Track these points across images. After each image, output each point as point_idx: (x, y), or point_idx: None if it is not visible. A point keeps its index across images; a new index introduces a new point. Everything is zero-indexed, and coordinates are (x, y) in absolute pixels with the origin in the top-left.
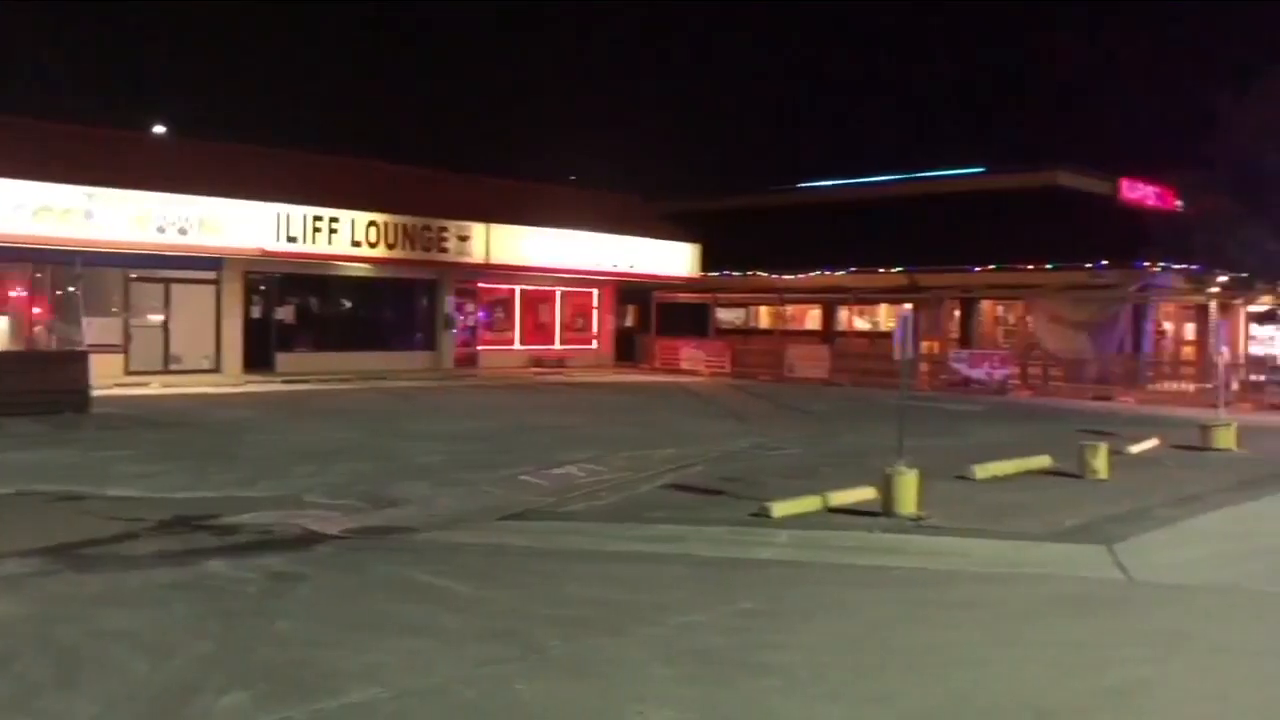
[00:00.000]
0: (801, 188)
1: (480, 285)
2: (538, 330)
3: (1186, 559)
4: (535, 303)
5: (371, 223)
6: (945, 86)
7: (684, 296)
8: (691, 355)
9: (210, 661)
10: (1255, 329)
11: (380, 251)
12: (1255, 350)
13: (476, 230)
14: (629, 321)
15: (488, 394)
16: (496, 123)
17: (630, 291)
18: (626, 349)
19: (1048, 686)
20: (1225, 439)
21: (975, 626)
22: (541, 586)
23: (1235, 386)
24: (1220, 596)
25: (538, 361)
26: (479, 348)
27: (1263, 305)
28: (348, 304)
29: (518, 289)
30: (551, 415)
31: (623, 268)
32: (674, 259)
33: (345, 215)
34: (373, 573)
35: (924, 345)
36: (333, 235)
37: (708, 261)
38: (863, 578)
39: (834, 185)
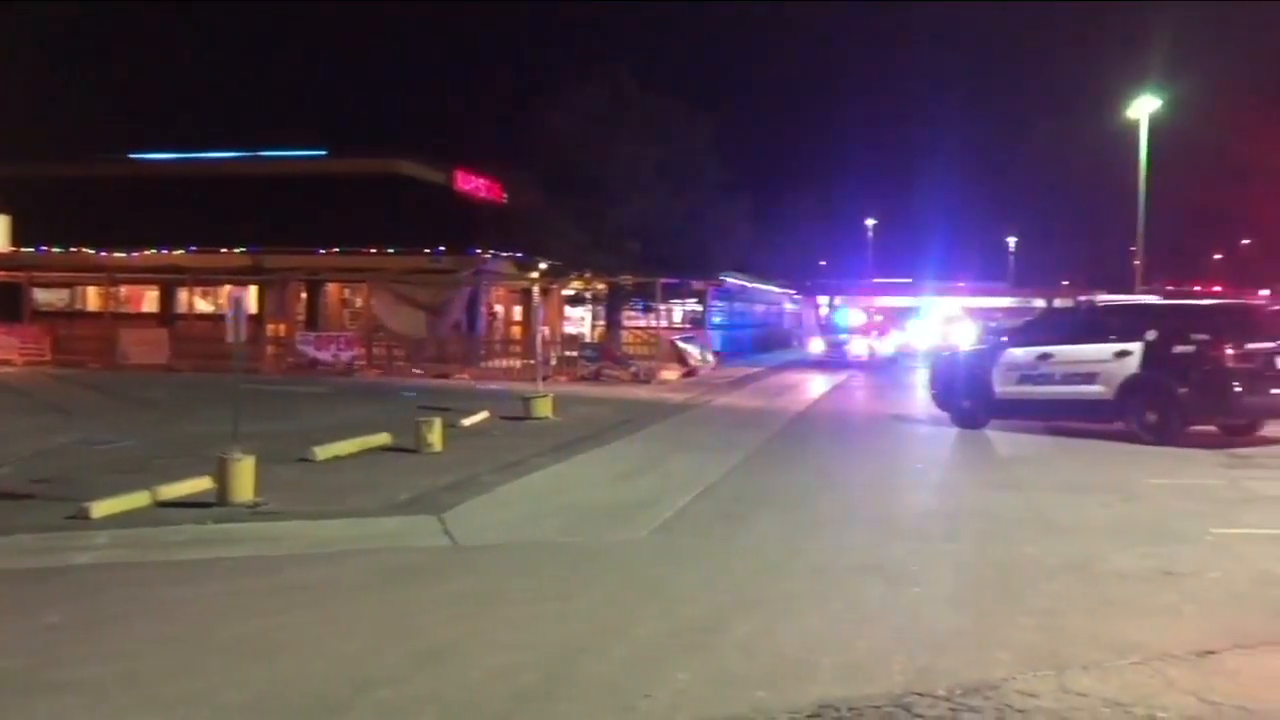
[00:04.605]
0: (134, 159)
1: None
2: None
3: (505, 520)
4: None
5: None
6: (287, 63)
7: None
8: (2, 342)
9: None
10: (569, 310)
11: None
12: (570, 329)
13: None
14: None
15: None
16: None
17: None
18: None
19: (369, 657)
20: (544, 409)
21: (305, 608)
22: None
23: (554, 361)
24: (530, 551)
25: None
26: None
27: (573, 290)
28: None
29: None
30: None
31: None
32: None
33: None
34: None
35: (270, 328)
36: None
37: (21, 236)
38: (192, 573)
39: (171, 159)
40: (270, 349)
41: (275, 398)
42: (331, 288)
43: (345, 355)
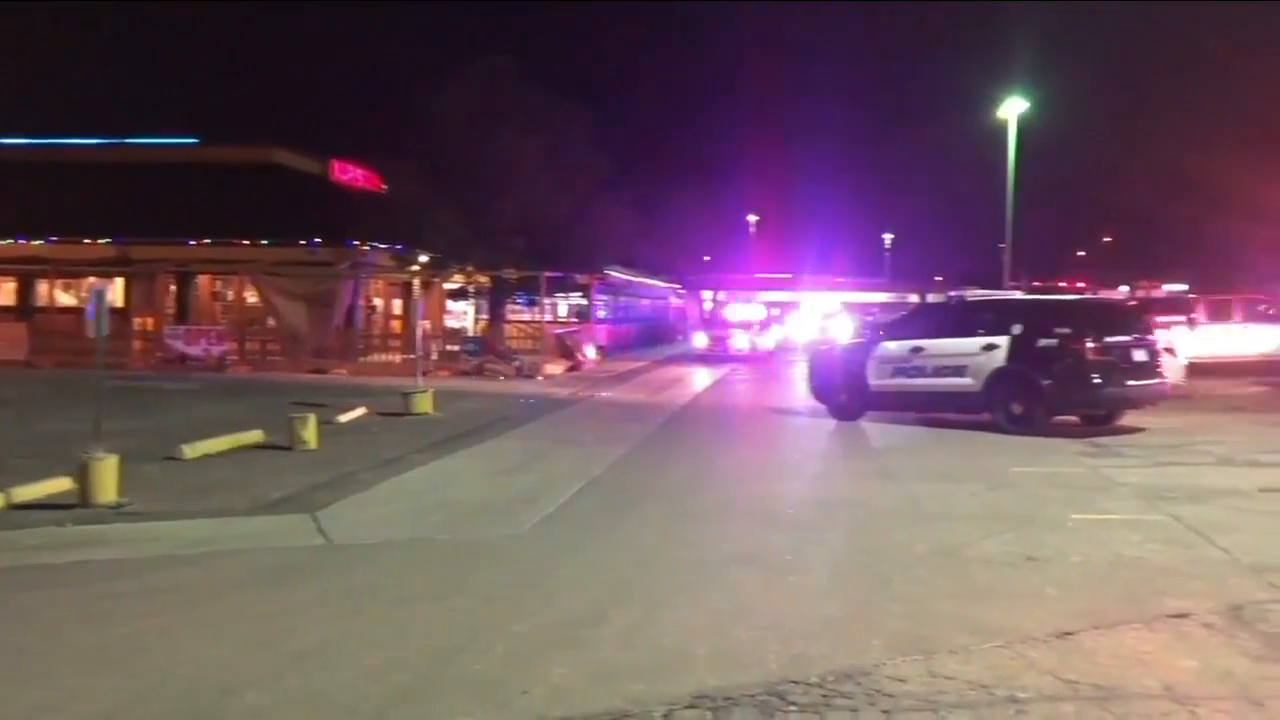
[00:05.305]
0: None
1: None
2: None
3: (382, 518)
4: None
5: None
6: (157, 48)
7: None
8: None
9: None
10: (451, 304)
11: None
12: (451, 323)
13: None
14: None
15: None
16: None
17: None
18: None
19: (237, 661)
20: (424, 404)
21: (170, 612)
22: None
23: (435, 356)
24: (407, 550)
25: None
26: None
27: (455, 283)
28: None
29: None
30: None
31: None
32: None
33: None
34: None
35: (138, 322)
36: None
37: None
38: (49, 577)
39: (28, 144)
40: (138, 344)
41: (142, 394)
42: (203, 280)
43: (217, 350)
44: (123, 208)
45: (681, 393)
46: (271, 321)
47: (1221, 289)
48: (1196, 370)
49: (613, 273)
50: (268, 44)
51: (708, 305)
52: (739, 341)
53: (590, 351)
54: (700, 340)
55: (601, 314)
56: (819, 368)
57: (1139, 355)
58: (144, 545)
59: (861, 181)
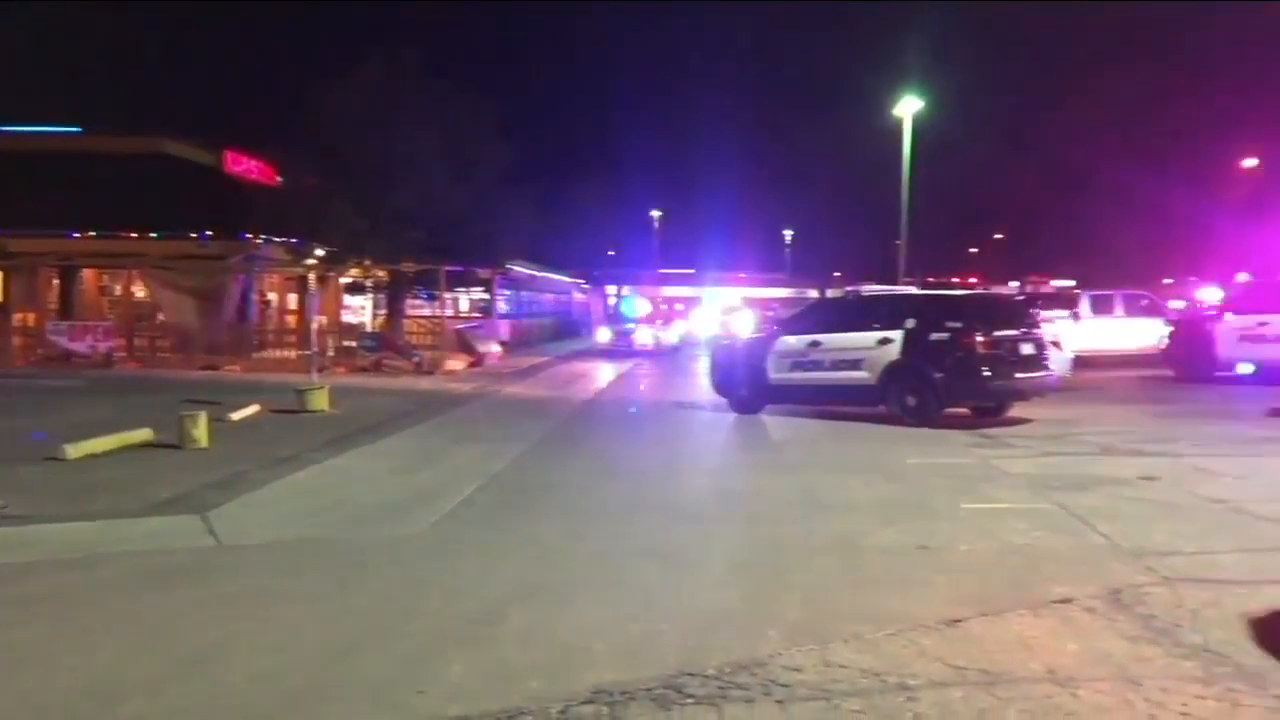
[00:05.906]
0: None
1: None
2: None
3: (275, 518)
4: None
5: None
6: (36, 31)
7: None
8: None
9: None
10: (349, 299)
11: None
12: (349, 318)
13: None
14: None
15: None
16: None
17: None
18: None
19: (120, 668)
20: (319, 401)
21: (49, 619)
22: None
23: (332, 352)
24: (301, 550)
25: None
26: None
27: (352, 277)
28: None
29: None
30: None
31: None
32: None
33: None
34: None
35: (18, 317)
36: None
37: None
38: None
39: None
40: (18, 340)
41: (22, 393)
42: (88, 274)
43: (103, 346)
44: (0, 198)
45: (585, 388)
46: (161, 317)
47: (1106, 285)
48: (1082, 363)
49: (515, 267)
50: (156, 29)
51: (612, 300)
52: (643, 337)
53: (492, 347)
54: (604, 335)
55: (504, 309)
56: (720, 362)
57: (1027, 348)
58: (22, 550)
59: (763, 179)
